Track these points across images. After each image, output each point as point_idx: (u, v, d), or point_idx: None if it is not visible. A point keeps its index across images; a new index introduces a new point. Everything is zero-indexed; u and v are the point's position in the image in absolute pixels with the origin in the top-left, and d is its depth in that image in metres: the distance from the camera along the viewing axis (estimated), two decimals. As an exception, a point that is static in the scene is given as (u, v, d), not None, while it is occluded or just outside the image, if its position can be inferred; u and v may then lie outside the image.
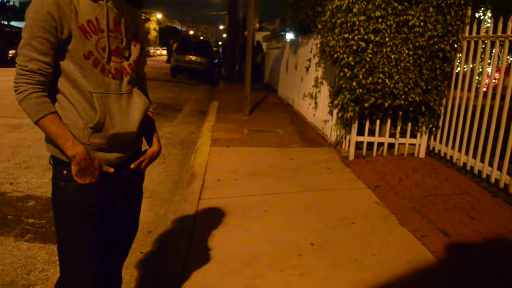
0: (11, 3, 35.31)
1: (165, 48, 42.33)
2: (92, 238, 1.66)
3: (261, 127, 7.73)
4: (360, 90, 5.03)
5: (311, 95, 7.74)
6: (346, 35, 4.96)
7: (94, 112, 1.57)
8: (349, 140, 5.61)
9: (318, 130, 7.31)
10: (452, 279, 2.81)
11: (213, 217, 3.63)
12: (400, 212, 3.86)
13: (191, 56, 18.30)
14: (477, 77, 4.97)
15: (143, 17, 2.02)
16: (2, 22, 29.59)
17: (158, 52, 50.43)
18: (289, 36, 11.18)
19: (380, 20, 4.84)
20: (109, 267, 1.89)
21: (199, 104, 11.29)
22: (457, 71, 5.35)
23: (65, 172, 1.60)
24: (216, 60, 21.91)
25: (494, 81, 4.74)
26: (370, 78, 4.97)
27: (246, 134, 7.05)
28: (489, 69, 4.80)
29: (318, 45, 6.56)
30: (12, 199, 3.81)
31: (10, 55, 18.51)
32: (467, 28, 5.07)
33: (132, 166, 1.78)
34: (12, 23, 29.94)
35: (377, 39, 4.88)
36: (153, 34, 58.49)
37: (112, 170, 1.66)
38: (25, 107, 1.49)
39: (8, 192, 3.96)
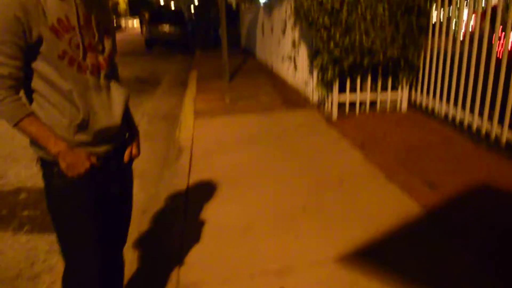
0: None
1: (137, 17, 41.27)
2: (92, 230, 1.70)
3: (243, 93, 7.70)
4: (339, 50, 5.03)
5: (290, 57, 7.70)
6: (320, -4, 4.90)
7: (77, 110, 1.58)
8: (332, 101, 5.65)
9: (300, 92, 7.31)
10: (442, 231, 2.91)
11: (204, 191, 3.68)
12: (386, 167, 3.96)
13: (164, 26, 17.93)
14: (454, 23, 4.97)
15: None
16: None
17: (130, 23, 48.96)
18: (263, -3, 10.98)
19: (353, -23, 4.79)
20: (111, 254, 1.94)
21: (178, 75, 11.14)
22: (434, 18, 5.34)
23: (55, 169, 1.61)
24: (190, 28, 21.47)
25: (471, 26, 4.73)
26: (347, 38, 4.96)
27: (228, 102, 7.03)
28: (465, 17, 4.79)
29: (293, 5, 6.47)
30: (3, 193, 3.81)
31: None
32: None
33: (126, 158, 1.85)
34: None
35: (351, -3, 4.84)
36: (122, 6, 56.62)
37: (98, 164, 1.68)
38: (0, 113, 1.49)
39: (-2, 186, 3.95)
